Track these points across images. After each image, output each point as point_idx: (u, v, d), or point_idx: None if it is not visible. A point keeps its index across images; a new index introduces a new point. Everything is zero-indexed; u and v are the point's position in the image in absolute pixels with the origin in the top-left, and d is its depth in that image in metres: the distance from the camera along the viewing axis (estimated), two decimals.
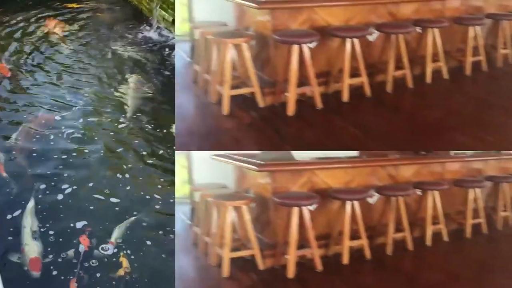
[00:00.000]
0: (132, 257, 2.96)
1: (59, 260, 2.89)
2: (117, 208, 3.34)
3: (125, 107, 4.57)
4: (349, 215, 3.35)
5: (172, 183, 3.62)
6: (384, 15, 3.79)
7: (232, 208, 3.10)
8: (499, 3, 4.42)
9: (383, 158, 3.76)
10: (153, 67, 5.47)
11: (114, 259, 2.94)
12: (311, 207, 3.22)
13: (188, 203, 4.27)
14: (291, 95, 3.28)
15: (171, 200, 3.45)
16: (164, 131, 4.26)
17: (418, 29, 3.90)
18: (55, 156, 3.79)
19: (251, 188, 3.61)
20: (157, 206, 3.41)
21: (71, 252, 2.92)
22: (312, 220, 3.21)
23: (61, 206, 3.31)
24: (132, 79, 5.04)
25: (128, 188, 3.55)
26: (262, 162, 3.27)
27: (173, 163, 3.83)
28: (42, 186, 3.45)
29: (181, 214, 4.18)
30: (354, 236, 3.41)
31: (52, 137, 4.04)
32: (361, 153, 3.71)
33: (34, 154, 3.80)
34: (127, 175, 3.68)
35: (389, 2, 3.79)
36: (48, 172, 3.61)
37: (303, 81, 3.34)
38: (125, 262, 2.89)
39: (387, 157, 3.80)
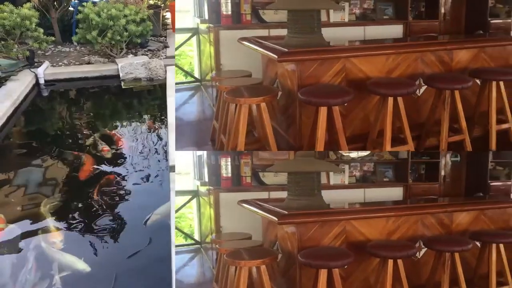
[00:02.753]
0: None
1: None
2: None
3: None
4: (390, 275, 2.81)
5: None
6: (434, 65, 3.26)
7: (246, 269, 2.68)
8: None
9: (432, 204, 3.19)
10: None
11: None
12: (343, 267, 2.73)
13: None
14: None
15: None
16: None
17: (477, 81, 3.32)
18: None
19: (278, 239, 3.18)
20: None
21: None
22: (344, 280, 2.71)
23: None
24: None
25: None
26: (285, 213, 2.84)
27: None
28: None
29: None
30: None
31: None
32: (406, 198, 3.18)
33: None
34: None
35: (441, 48, 3.22)
36: None
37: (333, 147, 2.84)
38: None
39: (437, 202, 3.24)
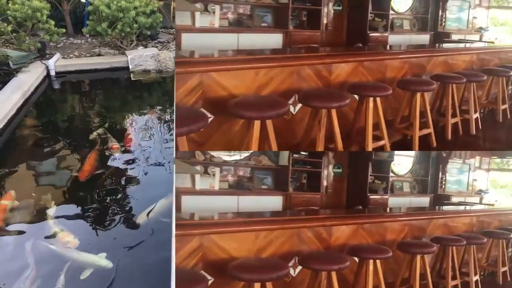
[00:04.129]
0: None
1: None
2: None
3: None
4: None
5: None
6: (311, 79, 3.02)
7: None
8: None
9: (310, 217, 2.88)
10: None
11: None
12: None
13: None
14: None
15: None
16: None
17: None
18: None
19: None
20: None
21: None
22: None
23: None
24: None
25: None
26: None
27: None
28: None
29: None
30: None
31: None
32: (285, 208, 2.82)
33: None
34: None
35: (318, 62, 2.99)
36: None
37: None
38: None
39: (317, 214, 2.94)
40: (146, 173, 4.26)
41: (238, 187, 3.20)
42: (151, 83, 6.77)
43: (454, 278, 3.96)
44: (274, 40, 3.74)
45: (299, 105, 2.88)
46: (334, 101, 2.72)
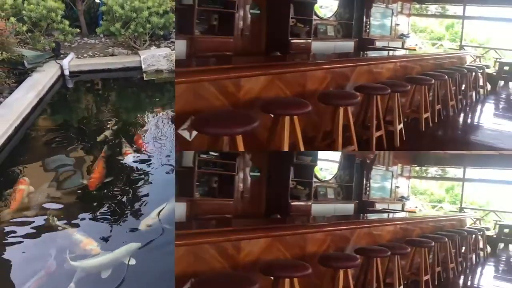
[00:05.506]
0: None
1: None
2: None
3: None
4: None
5: None
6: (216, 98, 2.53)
7: None
8: None
9: (210, 231, 2.37)
10: None
11: None
12: None
13: None
14: None
15: None
16: None
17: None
18: None
19: None
20: None
21: None
22: None
23: None
24: None
25: None
26: None
27: None
28: None
29: None
30: None
31: None
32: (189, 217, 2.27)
33: None
34: None
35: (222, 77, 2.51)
36: None
37: None
38: None
39: (223, 225, 2.43)
40: (157, 173, 4.18)
41: None
42: (163, 83, 6.85)
43: None
44: (176, 47, 3.28)
45: (195, 133, 2.35)
46: (239, 126, 2.19)
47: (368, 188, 5.79)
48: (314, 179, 4.26)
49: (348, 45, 5.59)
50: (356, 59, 4.09)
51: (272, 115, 2.57)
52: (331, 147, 2.97)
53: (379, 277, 3.64)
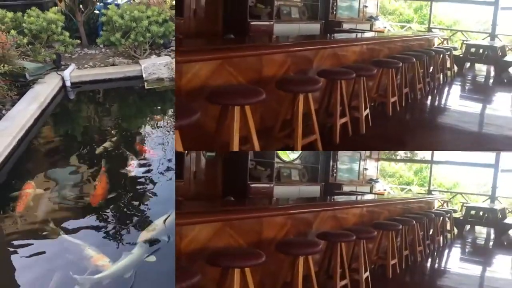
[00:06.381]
0: None
1: None
2: None
3: None
4: None
5: None
6: None
7: None
8: None
9: None
10: None
11: None
12: None
13: None
14: None
15: None
16: None
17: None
18: None
19: None
20: None
21: None
22: None
23: None
24: None
25: None
26: None
27: None
28: None
29: None
30: None
31: None
32: None
33: None
34: None
35: None
36: None
37: None
38: None
39: None
40: (160, 181, 3.90)
41: None
42: (165, 91, 6.84)
43: (343, 277, 3.44)
44: None
45: None
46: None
47: (335, 170, 5.57)
48: (277, 159, 3.97)
49: (314, 27, 5.29)
50: (319, 42, 3.74)
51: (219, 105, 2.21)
52: (290, 137, 2.64)
53: (343, 262, 3.40)
